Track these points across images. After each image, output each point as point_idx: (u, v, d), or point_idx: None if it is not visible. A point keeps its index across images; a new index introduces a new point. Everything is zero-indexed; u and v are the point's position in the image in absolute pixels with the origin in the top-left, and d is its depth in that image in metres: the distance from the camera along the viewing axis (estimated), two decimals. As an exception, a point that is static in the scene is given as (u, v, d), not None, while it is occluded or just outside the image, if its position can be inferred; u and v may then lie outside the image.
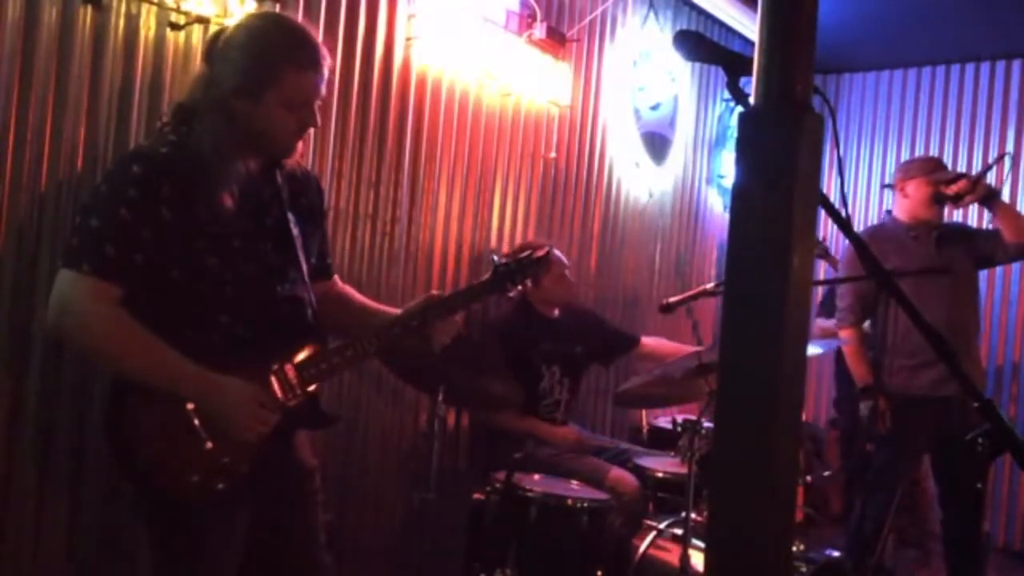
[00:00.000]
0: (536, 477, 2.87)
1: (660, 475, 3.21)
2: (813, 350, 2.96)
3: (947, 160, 5.27)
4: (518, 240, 3.82)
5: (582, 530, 2.69)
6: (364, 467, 3.30)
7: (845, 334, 3.75)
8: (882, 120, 5.88)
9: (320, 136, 3.01)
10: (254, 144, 1.92)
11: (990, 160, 4.40)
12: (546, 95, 3.86)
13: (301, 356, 1.97)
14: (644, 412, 4.43)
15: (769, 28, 1.09)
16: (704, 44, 1.33)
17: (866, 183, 5.93)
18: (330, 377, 2.06)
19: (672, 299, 3.56)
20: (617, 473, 3.14)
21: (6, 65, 2.23)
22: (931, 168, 3.77)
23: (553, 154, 3.99)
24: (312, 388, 1.98)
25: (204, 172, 1.84)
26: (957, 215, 5.18)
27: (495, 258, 2.26)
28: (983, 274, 4.52)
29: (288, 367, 1.95)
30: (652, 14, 4.54)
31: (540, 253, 2.25)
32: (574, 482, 2.93)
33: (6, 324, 2.27)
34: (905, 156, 5.60)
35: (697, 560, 2.65)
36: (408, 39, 3.30)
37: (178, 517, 1.88)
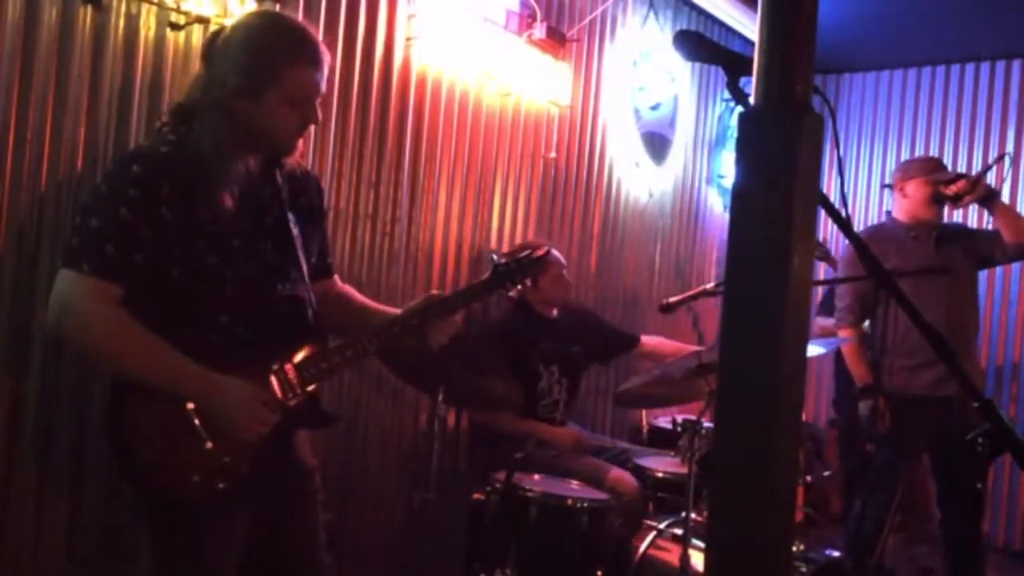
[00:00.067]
0: (536, 477, 2.87)
1: (660, 475, 3.21)
2: (813, 350, 2.96)
3: (947, 160, 5.27)
4: (518, 240, 3.82)
5: (582, 530, 2.69)
6: (364, 467, 3.30)
7: (844, 334, 3.75)
8: (882, 120, 5.88)
9: (320, 136, 3.01)
10: (256, 143, 1.92)
11: (990, 160, 4.40)
12: (546, 95, 3.86)
13: (301, 356, 1.97)
14: (644, 412, 4.43)
15: (769, 28, 1.09)
16: (704, 44, 1.33)
17: (866, 183, 5.93)
18: (330, 377, 2.06)
19: (672, 299, 3.56)
20: (617, 473, 3.14)
21: (6, 65, 2.23)
22: (931, 168, 3.77)
23: (553, 154, 3.99)
24: (312, 388, 1.98)
25: (204, 172, 1.84)
26: (957, 216, 5.19)
27: (494, 257, 2.27)
28: (983, 274, 4.51)
29: (288, 367, 1.95)
30: (652, 14, 4.54)
31: (539, 253, 2.25)
32: (574, 482, 2.92)
33: (6, 324, 2.27)
34: (905, 156, 5.60)
35: (697, 560, 2.65)
36: (408, 39, 3.31)
37: (178, 517, 1.88)
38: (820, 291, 4.97)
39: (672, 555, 2.79)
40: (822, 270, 4.91)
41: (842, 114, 5.96)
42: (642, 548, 2.86)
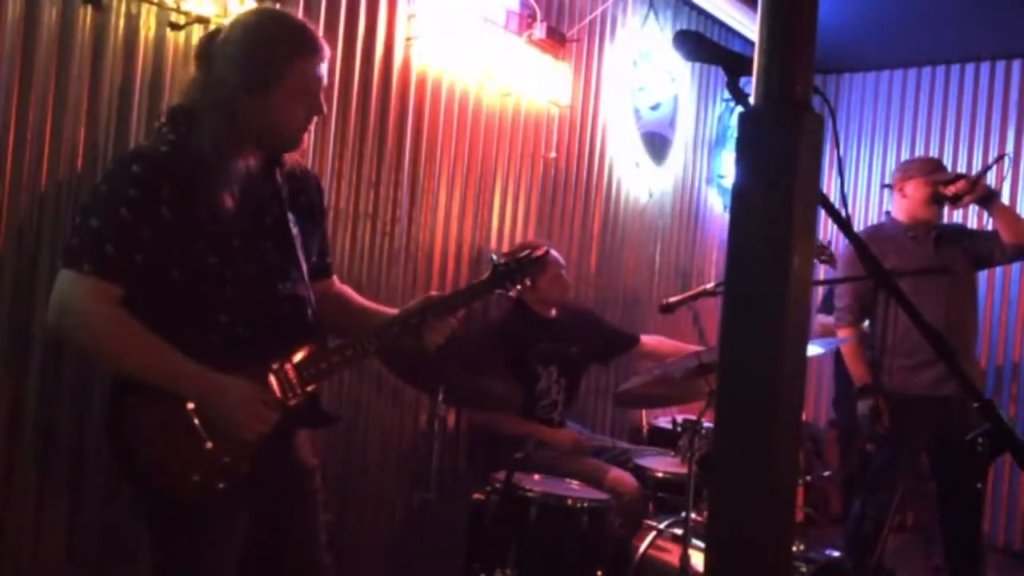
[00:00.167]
0: (536, 477, 2.87)
1: (660, 475, 3.21)
2: (814, 350, 2.97)
3: (947, 160, 5.28)
4: (518, 240, 3.82)
5: (582, 530, 2.69)
6: (364, 467, 3.30)
7: (843, 334, 3.75)
8: (882, 120, 5.88)
9: (320, 136, 3.02)
10: (263, 139, 1.93)
11: (990, 160, 4.41)
12: (546, 95, 3.86)
13: (301, 355, 1.97)
14: (644, 412, 4.43)
15: (769, 28, 1.09)
16: (704, 44, 1.33)
17: (866, 183, 5.93)
18: (330, 376, 2.06)
19: (672, 299, 3.56)
20: (616, 474, 3.14)
21: (6, 65, 2.23)
22: (930, 168, 3.77)
23: (553, 154, 3.99)
24: (312, 387, 1.98)
25: (204, 172, 1.84)
26: (957, 216, 5.19)
27: (494, 257, 2.27)
28: (983, 274, 4.52)
29: (288, 366, 1.94)
30: (652, 14, 4.54)
31: (538, 253, 2.25)
32: (574, 482, 2.93)
33: (6, 324, 2.27)
34: (905, 156, 5.61)
35: (697, 560, 2.65)
36: (408, 39, 3.31)
37: (178, 517, 1.88)
38: (821, 289, 4.97)
39: (672, 555, 2.79)
40: (822, 270, 4.91)
41: (842, 114, 5.96)
42: (642, 548, 2.86)
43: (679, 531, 2.80)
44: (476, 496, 2.77)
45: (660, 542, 2.88)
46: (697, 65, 4.88)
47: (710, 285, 3.62)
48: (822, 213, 1.26)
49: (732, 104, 5.14)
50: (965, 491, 3.49)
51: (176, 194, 1.81)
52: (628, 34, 4.41)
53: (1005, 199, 4.57)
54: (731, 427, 1.09)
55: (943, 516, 3.72)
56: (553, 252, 3.36)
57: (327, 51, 1.95)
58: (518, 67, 3.68)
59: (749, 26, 5.05)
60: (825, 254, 4.60)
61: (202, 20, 2.55)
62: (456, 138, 3.55)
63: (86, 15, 2.38)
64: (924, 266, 3.57)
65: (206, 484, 1.84)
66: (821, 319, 4.72)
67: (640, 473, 3.22)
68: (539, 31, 3.72)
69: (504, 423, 3.27)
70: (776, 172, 1.07)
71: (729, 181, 4.91)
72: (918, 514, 5.20)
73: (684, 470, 2.87)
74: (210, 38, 1.94)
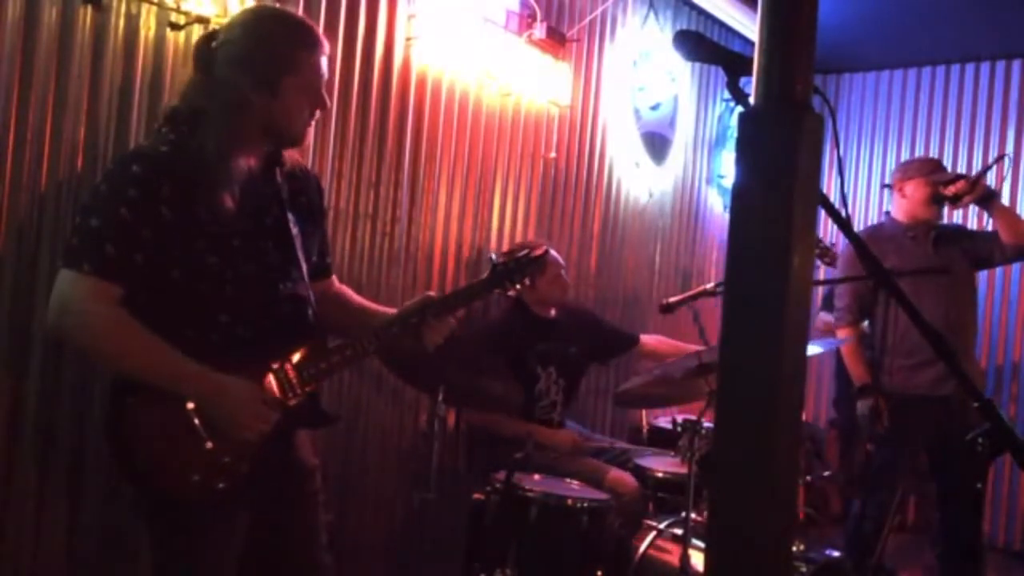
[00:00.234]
0: (536, 477, 2.87)
1: (660, 475, 3.21)
2: (815, 349, 2.97)
3: (947, 160, 5.28)
4: (518, 240, 3.82)
5: (582, 530, 2.69)
6: (364, 467, 3.30)
7: (843, 333, 3.75)
8: (882, 120, 5.88)
9: (320, 136, 3.02)
10: (270, 136, 1.93)
11: (990, 160, 4.41)
12: (546, 95, 3.86)
13: (300, 355, 1.97)
14: (644, 412, 4.43)
15: (769, 28, 1.09)
16: (704, 44, 1.33)
17: (866, 183, 5.93)
18: (329, 376, 2.06)
19: (672, 299, 3.56)
20: (616, 474, 3.14)
21: (6, 65, 2.23)
22: (930, 169, 3.77)
23: (553, 154, 3.99)
24: (311, 387, 1.98)
25: (204, 171, 1.84)
26: (957, 216, 5.19)
27: (493, 257, 2.26)
28: (983, 274, 4.52)
29: (288, 366, 1.94)
30: (652, 14, 4.54)
31: (537, 252, 2.25)
32: (574, 482, 2.92)
33: (6, 324, 2.27)
34: (905, 156, 5.61)
35: (697, 560, 2.65)
36: (408, 39, 3.31)
37: (178, 517, 1.88)
38: (823, 287, 4.97)
39: (672, 555, 2.79)
40: (822, 270, 4.91)
41: (842, 114, 5.96)
42: (642, 548, 2.86)
43: (679, 531, 2.80)
44: (476, 496, 2.77)
45: (660, 542, 2.87)
46: (697, 65, 4.88)
47: (710, 285, 3.62)
48: (822, 213, 1.26)
49: (732, 104, 5.14)
50: (965, 491, 3.48)
51: (176, 194, 1.81)
52: (628, 34, 4.41)
53: (1005, 199, 4.57)
54: (731, 427, 1.09)
55: (943, 516, 3.72)
56: (552, 252, 3.35)
57: (327, 45, 1.97)
58: (518, 67, 3.68)
59: (749, 26, 5.05)
60: (828, 255, 4.60)
61: (202, 20, 2.55)
62: (456, 138, 3.55)
63: (86, 15, 2.38)
64: (924, 266, 3.57)
65: (206, 484, 1.84)
66: (823, 317, 4.72)
67: (640, 473, 3.22)
68: (539, 31, 3.72)
69: (503, 424, 3.27)
70: (776, 172, 1.07)
71: (729, 181, 4.91)
72: (918, 514, 5.21)
73: (684, 470, 2.87)
74: (207, 40, 1.93)
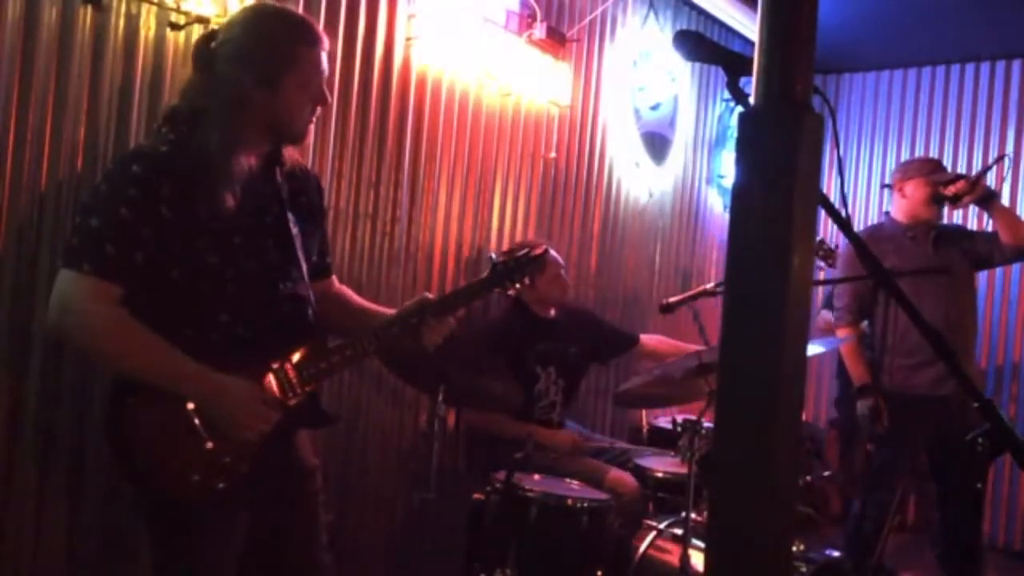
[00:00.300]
0: (536, 477, 2.87)
1: (660, 475, 3.21)
2: (817, 349, 2.97)
3: (947, 160, 5.28)
4: (518, 240, 3.81)
5: (582, 530, 2.69)
6: (364, 467, 3.30)
7: (843, 333, 3.75)
8: (882, 120, 5.88)
9: (320, 136, 3.02)
10: (273, 132, 1.93)
11: (990, 160, 4.41)
12: (546, 95, 3.86)
13: (301, 355, 1.97)
14: (644, 412, 4.43)
15: (769, 28, 1.09)
16: (704, 44, 1.33)
17: (866, 183, 5.93)
18: (329, 376, 2.06)
19: (672, 299, 3.56)
20: (616, 474, 3.14)
21: (6, 65, 2.23)
22: (930, 169, 3.77)
23: (553, 154, 3.99)
24: (311, 387, 1.98)
25: (205, 170, 1.84)
26: (957, 216, 5.19)
27: (493, 256, 2.26)
28: (983, 274, 4.51)
29: (288, 366, 1.94)
30: (652, 14, 4.54)
31: (537, 252, 2.25)
32: (574, 482, 2.92)
33: (6, 324, 2.27)
34: (905, 156, 5.61)
35: (697, 560, 2.65)
36: (408, 39, 3.31)
37: (178, 517, 1.88)
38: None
39: (672, 555, 2.78)
40: (822, 271, 4.91)
41: (842, 114, 5.96)
42: (642, 548, 2.86)
43: (679, 531, 2.80)
44: (476, 496, 2.77)
45: (660, 542, 2.87)
46: (697, 65, 4.88)
47: (710, 285, 3.62)
48: (822, 213, 1.26)
49: (732, 104, 5.14)
50: (965, 491, 3.48)
51: (176, 193, 1.81)
52: (628, 34, 4.41)
53: (1005, 200, 4.57)
54: (731, 427, 1.09)
55: (943, 516, 3.72)
56: (552, 252, 3.35)
57: (327, 41, 1.97)
58: (518, 67, 3.68)
59: (749, 26, 5.05)
60: (832, 257, 4.60)
61: (202, 20, 2.55)
62: (456, 138, 3.55)
63: (86, 15, 2.38)
64: (923, 266, 3.57)
65: (206, 484, 1.84)
66: (825, 315, 4.72)
67: (640, 473, 3.22)
68: (539, 31, 3.72)
69: (502, 425, 3.27)
70: (776, 172, 1.07)
71: (729, 181, 4.91)
72: (918, 514, 5.20)
73: (684, 470, 2.87)
74: (207, 40, 1.94)
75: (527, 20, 3.71)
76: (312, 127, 2.01)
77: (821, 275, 4.82)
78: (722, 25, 5.09)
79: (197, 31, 2.57)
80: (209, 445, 1.84)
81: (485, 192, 3.71)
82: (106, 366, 2.06)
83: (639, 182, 4.58)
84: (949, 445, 3.57)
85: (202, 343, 1.84)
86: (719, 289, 3.47)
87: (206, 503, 1.86)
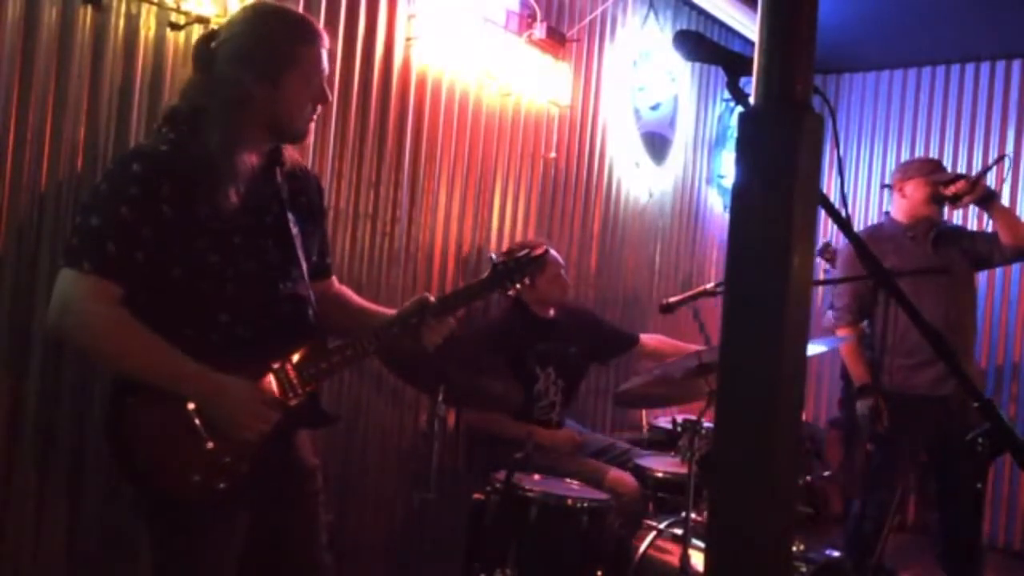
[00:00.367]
0: (536, 477, 2.87)
1: (660, 475, 3.21)
2: (818, 348, 2.96)
3: (947, 160, 5.28)
4: (518, 240, 3.81)
5: (582, 530, 2.69)
6: (364, 467, 3.30)
7: (843, 333, 3.76)
8: (882, 120, 5.88)
9: (320, 136, 3.01)
10: (275, 131, 1.93)
11: (990, 161, 4.41)
12: (546, 95, 3.86)
13: (301, 355, 1.97)
14: (644, 412, 4.43)
15: (769, 28, 1.09)
16: (704, 44, 1.33)
17: (866, 183, 5.93)
18: (330, 376, 2.06)
19: (672, 299, 3.56)
20: (616, 474, 3.14)
21: (6, 65, 2.23)
22: (930, 169, 3.78)
23: (553, 154, 3.99)
24: (312, 387, 1.98)
25: (206, 169, 1.84)
26: (957, 217, 5.19)
27: (493, 256, 2.26)
28: (983, 274, 4.51)
29: (288, 366, 1.94)
30: (652, 14, 4.54)
31: (537, 252, 2.25)
32: (574, 482, 2.93)
33: (6, 324, 2.27)
34: (905, 156, 5.61)
35: (697, 560, 2.65)
36: (408, 39, 3.31)
37: (178, 517, 1.88)
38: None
39: (672, 555, 2.78)
40: (822, 269, 4.91)
41: (842, 114, 5.96)
42: (642, 548, 2.86)
43: (679, 531, 2.80)
44: (476, 496, 2.77)
45: (660, 542, 2.87)
46: (697, 65, 4.88)
47: (710, 285, 3.61)
48: (822, 213, 1.26)
49: (732, 104, 5.14)
50: (965, 491, 3.48)
51: (176, 192, 1.81)
52: (628, 34, 4.41)
53: (1005, 200, 4.57)
54: (731, 427, 1.09)
55: (943, 516, 3.72)
56: (552, 252, 3.35)
57: (327, 39, 1.97)
58: (518, 67, 3.68)
59: (749, 26, 5.05)
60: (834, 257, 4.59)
61: (202, 20, 2.55)
62: (456, 138, 3.55)
63: (86, 15, 2.38)
64: (923, 266, 3.57)
65: (206, 484, 1.84)
66: (831, 315, 4.71)
67: (640, 473, 3.22)
68: (539, 31, 3.72)
69: (502, 425, 3.27)
70: (776, 172, 1.07)
71: (729, 181, 4.91)
72: (918, 514, 5.20)
73: (684, 470, 2.87)
74: (207, 40, 1.94)
75: (527, 20, 3.72)
76: (313, 126, 2.01)
77: (821, 275, 4.82)
78: (722, 25, 5.09)
79: (197, 31, 2.57)
80: (209, 445, 1.84)
81: (485, 192, 3.71)
82: (106, 366, 2.06)
83: (639, 182, 4.58)
84: (949, 445, 3.57)
85: (202, 343, 1.84)
86: (719, 289, 3.47)
87: (206, 503, 1.86)
